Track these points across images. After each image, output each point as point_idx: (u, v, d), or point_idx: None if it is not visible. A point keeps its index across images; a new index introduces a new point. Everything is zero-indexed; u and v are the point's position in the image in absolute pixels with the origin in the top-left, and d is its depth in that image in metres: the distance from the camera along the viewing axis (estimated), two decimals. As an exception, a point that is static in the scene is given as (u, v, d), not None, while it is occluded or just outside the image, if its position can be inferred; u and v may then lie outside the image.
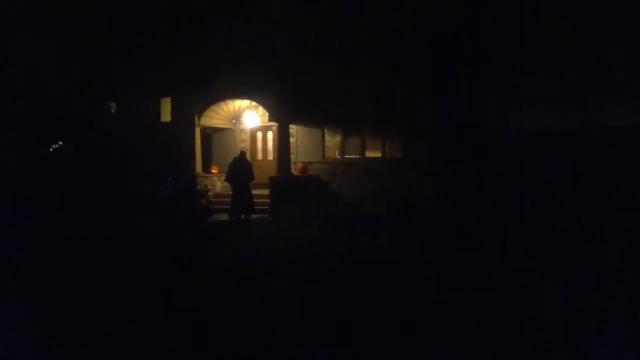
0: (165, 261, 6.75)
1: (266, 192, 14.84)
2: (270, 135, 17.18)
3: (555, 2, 11.22)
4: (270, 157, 17.15)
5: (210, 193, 15.90)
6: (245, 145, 17.59)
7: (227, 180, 14.23)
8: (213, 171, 17.24)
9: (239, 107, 17.08)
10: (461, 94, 12.09)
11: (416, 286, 6.48)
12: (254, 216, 13.86)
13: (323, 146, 15.66)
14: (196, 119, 16.38)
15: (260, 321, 5.28)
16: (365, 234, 10.13)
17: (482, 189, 10.54)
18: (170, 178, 8.91)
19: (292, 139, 15.69)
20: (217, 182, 16.76)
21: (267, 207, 14.43)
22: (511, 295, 5.78)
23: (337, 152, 15.51)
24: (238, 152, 14.88)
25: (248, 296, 6.10)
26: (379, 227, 10.60)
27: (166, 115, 16.66)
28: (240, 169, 13.92)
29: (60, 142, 11.26)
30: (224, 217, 13.17)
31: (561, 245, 7.82)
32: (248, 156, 17.26)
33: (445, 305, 5.63)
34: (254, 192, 14.77)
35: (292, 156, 15.59)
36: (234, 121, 17.44)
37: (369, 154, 14.95)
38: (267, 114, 15.72)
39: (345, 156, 15.27)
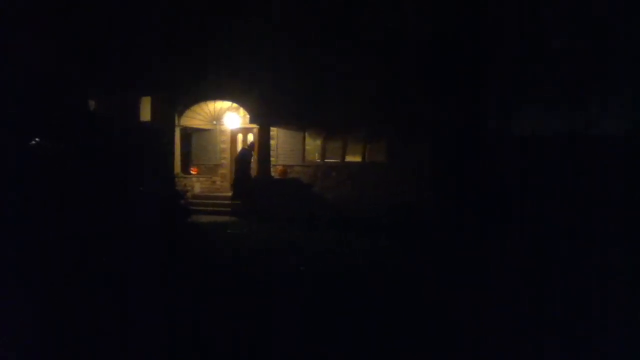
0: (142, 262, 6.69)
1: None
2: (250, 137, 17.12)
3: (555, 7, 11.38)
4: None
5: (189, 194, 15.78)
6: (226, 146, 17.54)
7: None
8: (192, 172, 17.14)
9: (220, 108, 17.02)
10: (458, 98, 12.18)
11: (409, 287, 6.54)
12: (232, 218, 13.83)
13: (304, 149, 15.68)
14: (177, 118, 16.26)
15: (244, 321, 5.27)
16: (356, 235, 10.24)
17: (480, 192, 10.64)
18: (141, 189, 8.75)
19: (272, 142, 15.70)
20: (195, 184, 16.67)
21: (247, 209, 14.38)
22: (507, 297, 5.86)
23: (317, 156, 15.55)
24: (246, 145, 16.14)
25: (227, 296, 6.08)
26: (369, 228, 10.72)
27: (146, 115, 16.48)
28: (245, 159, 15.19)
29: (37, 139, 11.04)
30: (204, 218, 13.09)
31: (560, 247, 7.94)
32: (228, 157, 17.31)
33: (429, 306, 5.68)
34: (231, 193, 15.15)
35: (272, 159, 15.59)
36: (214, 122, 17.36)
37: (350, 158, 15.02)
38: (248, 115, 15.69)
39: (326, 160, 15.32)
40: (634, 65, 10.59)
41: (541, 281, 6.42)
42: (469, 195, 10.81)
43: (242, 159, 15.32)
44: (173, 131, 16.17)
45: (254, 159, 15.88)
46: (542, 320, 5.21)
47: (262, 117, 15.18)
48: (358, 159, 14.87)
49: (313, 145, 15.67)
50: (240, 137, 17.55)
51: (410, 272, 7.42)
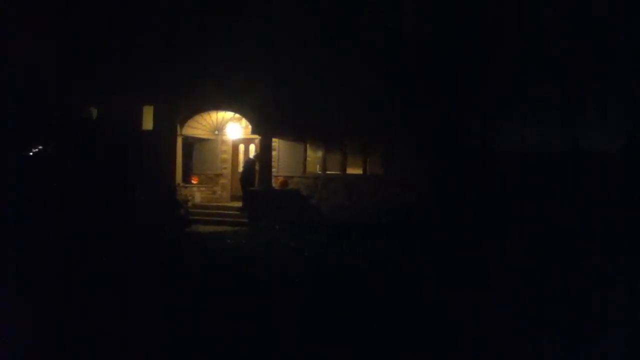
0: (138, 267, 6.70)
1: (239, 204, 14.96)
2: (252, 147, 17.17)
3: (544, 25, 11.47)
4: (252, 169, 17.13)
5: (189, 204, 15.78)
6: (227, 156, 17.57)
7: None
8: (193, 182, 17.16)
9: (222, 118, 17.07)
10: (449, 114, 12.26)
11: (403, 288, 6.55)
12: (231, 228, 13.80)
13: (305, 161, 15.69)
14: (178, 128, 16.31)
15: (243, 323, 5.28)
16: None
17: (466, 207, 10.67)
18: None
19: (274, 153, 15.72)
20: (196, 193, 16.68)
21: (246, 220, 14.37)
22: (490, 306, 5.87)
23: (318, 167, 15.56)
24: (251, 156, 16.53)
25: (225, 302, 6.08)
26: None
27: (148, 124, 16.55)
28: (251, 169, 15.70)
29: (40, 147, 11.12)
30: (203, 228, 13.08)
31: (546, 257, 7.95)
32: (229, 168, 17.38)
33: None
34: (234, 204, 15.36)
35: (273, 169, 15.60)
36: (216, 132, 17.40)
37: (350, 170, 15.01)
38: (250, 126, 15.74)
39: (327, 172, 15.32)
40: (626, 81, 10.66)
41: (524, 289, 6.44)
42: (455, 211, 10.86)
43: (245, 168, 15.84)
44: (175, 140, 16.22)
45: (255, 170, 15.94)
46: (529, 319, 5.21)
47: (264, 128, 15.23)
48: (359, 171, 14.86)
49: (314, 156, 15.69)
50: (242, 147, 17.59)
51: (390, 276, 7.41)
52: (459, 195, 11.44)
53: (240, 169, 17.38)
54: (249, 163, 15.98)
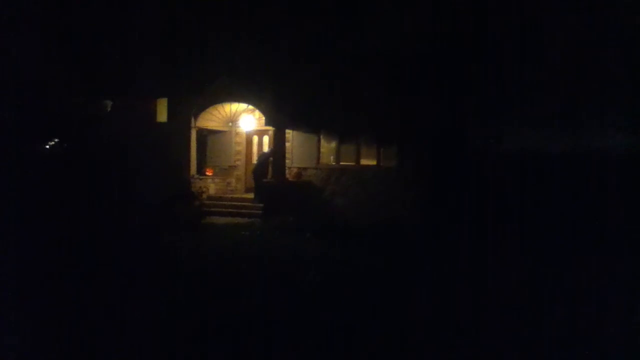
0: (152, 264, 6.74)
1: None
2: (266, 139, 17.17)
3: (548, 23, 11.30)
4: (266, 161, 17.14)
5: (204, 195, 15.87)
6: (241, 148, 17.61)
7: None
8: (207, 173, 17.22)
9: (236, 110, 17.08)
10: (457, 112, 12.15)
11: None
12: (247, 220, 13.86)
13: (318, 152, 15.65)
14: (192, 120, 16.36)
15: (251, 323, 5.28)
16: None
17: (472, 206, 10.58)
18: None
19: (287, 144, 15.70)
20: (210, 185, 16.75)
21: (260, 212, 14.42)
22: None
23: (332, 159, 15.51)
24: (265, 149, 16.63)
25: (233, 299, 6.10)
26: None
27: (162, 116, 16.63)
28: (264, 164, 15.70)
29: (56, 140, 11.23)
30: (218, 220, 13.14)
31: (551, 260, 7.86)
32: (243, 159, 17.43)
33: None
34: (248, 196, 15.45)
35: (287, 161, 15.59)
36: (230, 124, 17.42)
37: (364, 161, 14.92)
38: (263, 117, 15.72)
39: (340, 163, 15.27)
40: (626, 85, 10.47)
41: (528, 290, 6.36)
42: (461, 211, 10.77)
43: (259, 161, 15.86)
44: (189, 132, 16.28)
45: (269, 161, 15.97)
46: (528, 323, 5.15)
47: (278, 119, 15.20)
48: (373, 162, 14.76)
49: (328, 148, 15.63)
50: (255, 139, 17.60)
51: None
52: (467, 193, 11.34)
53: (255, 160, 17.41)
54: (263, 157, 15.95)
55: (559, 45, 11.03)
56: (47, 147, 13.18)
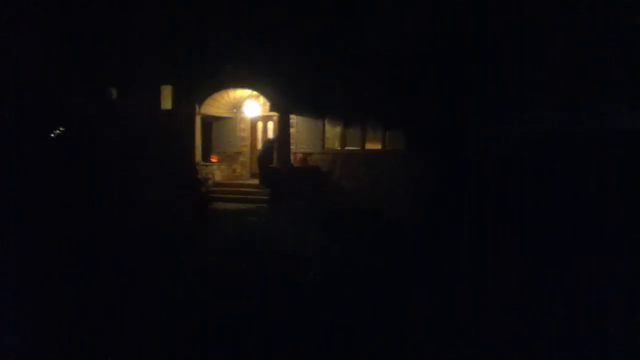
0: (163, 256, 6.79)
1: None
2: (270, 125, 17.17)
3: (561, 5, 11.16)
4: (270, 147, 17.15)
5: (210, 182, 15.93)
6: (245, 134, 17.62)
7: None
8: (212, 160, 17.26)
9: (241, 96, 17.06)
10: (465, 94, 12.05)
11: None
12: (253, 206, 13.92)
13: (323, 137, 15.65)
14: (197, 107, 16.36)
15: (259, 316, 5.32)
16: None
17: (494, 187, 10.47)
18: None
19: (292, 129, 15.69)
20: (216, 172, 16.79)
21: (267, 197, 14.47)
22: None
23: (337, 144, 15.50)
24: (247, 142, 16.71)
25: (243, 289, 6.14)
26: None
27: (167, 103, 16.61)
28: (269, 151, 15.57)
29: (62, 128, 11.25)
30: (224, 206, 13.21)
31: (564, 250, 7.79)
32: (248, 145, 17.44)
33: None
34: (254, 182, 15.43)
35: (292, 146, 15.60)
36: (234, 110, 17.42)
37: (370, 145, 14.92)
38: (268, 103, 15.70)
39: (346, 147, 15.27)
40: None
41: (542, 283, 6.31)
42: (472, 195, 10.69)
43: (264, 148, 15.81)
44: (193, 120, 16.28)
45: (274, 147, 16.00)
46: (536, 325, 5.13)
47: (282, 105, 15.18)
48: (378, 146, 14.76)
49: (332, 132, 15.62)
50: (260, 125, 17.60)
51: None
52: (473, 177, 11.28)
53: (260, 146, 17.42)
54: (268, 143, 15.93)
55: (567, 40, 10.90)
56: (52, 135, 13.21)
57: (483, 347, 4.64)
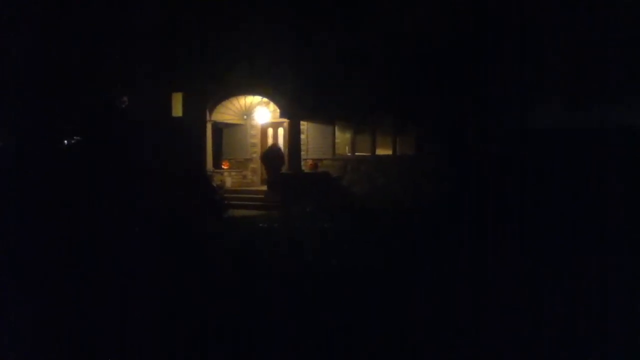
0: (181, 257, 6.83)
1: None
2: (281, 131, 17.23)
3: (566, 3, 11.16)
4: (281, 153, 17.20)
5: (223, 189, 16.00)
6: (256, 141, 17.69)
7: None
8: (224, 167, 17.35)
9: (251, 103, 17.15)
10: (476, 94, 12.03)
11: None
12: (264, 212, 13.95)
13: (333, 143, 15.69)
14: (208, 114, 16.46)
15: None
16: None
17: (501, 188, 10.44)
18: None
19: (302, 136, 15.75)
20: (227, 178, 16.88)
21: (278, 203, 14.49)
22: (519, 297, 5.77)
23: (347, 149, 15.54)
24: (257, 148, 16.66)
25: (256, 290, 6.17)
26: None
27: (177, 110, 16.73)
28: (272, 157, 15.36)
29: (77, 138, 11.35)
30: (235, 212, 13.24)
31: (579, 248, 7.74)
32: (259, 152, 17.48)
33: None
34: (264, 188, 15.64)
35: (302, 153, 15.65)
36: (245, 117, 17.51)
37: (380, 151, 14.94)
38: (278, 110, 15.77)
39: (356, 153, 15.29)
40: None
41: (558, 283, 6.27)
42: (488, 193, 10.63)
43: (270, 156, 15.54)
44: (204, 126, 16.38)
45: (284, 153, 16.05)
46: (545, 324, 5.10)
47: (292, 111, 15.24)
48: (388, 151, 14.77)
49: (343, 138, 15.66)
50: (270, 131, 17.66)
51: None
52: (484, 181, 11.24)
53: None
54: (274, 152, 15.68)
55: (567, 40, 10.90)
56: (64, 143, 13.34)
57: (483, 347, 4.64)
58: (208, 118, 16.49)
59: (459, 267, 7.05)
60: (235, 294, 5.76)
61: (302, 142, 15.66)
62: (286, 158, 15.67)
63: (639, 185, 9.11)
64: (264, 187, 16.25)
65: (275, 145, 16.20)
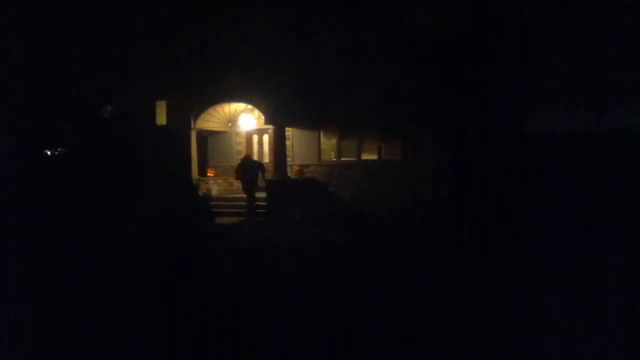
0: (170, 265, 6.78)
1: (263, 194, 14.86)
2: (266, 138, 17.22)
3: (557, 4, 11.24)
4: (267, 159, 17.16)
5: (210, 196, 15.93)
6: (241, 148, 17.64)
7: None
8: (209, 175, 17.26)
9: (235, 110, 17.12)
10: (471, 97, 12.05)
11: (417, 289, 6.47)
12: (249, 219, 13.92)
13: (319, 149, 15.71)
14: (192, 121, 16.39)
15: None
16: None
17: (496, 191, 10.48)
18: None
19: (288, 142, 15.75)
20: (213, 186, 16.79)
21: (264, 210, 14.46)
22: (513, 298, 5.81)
23: (333, 155, 15.57)
24: (243, 155, 15.52)
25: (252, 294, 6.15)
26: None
27: (162, 119, 16.63)
28: (248, 164, 14.49)
29: (61, 149, 11.24)
30: (222, 220, 13.20)
31: (574, 249, 7.79)
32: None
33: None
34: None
35: (288, 159, 15.65)
36: (230, 124, 17.47)
37: (365, 156, 15.00)
38: (263, 116, 15.76)
39: (342, 159, 15.33)
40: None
41: (550, 284, 6.31)
42: (473, 195, 10.69)
43: (248, 167, 14.58)
44: (189, 134, 16.30)
45: (269, 160, 16.01)
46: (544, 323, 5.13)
47: (277, 117, 15.25)
48: (374, 157, 14.83)
49: (328, 144, 15.70)
50: (255, 138, 17.64)
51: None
52: (468, 184, 11.30)
53: (255, 159, 17.38)
54: (250, 164, 14.64)
55: (568, 40, 10.97)
56: (51, 154, 13.18)
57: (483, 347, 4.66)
58: (193, 126, 16.42)
59: (456, 268, 7.09)
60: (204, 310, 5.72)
61: (287, 148, 15.66)
62: (272, 165, 15.65)
63: (638, 186, 9.21)
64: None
65: (249, 156, 15.49)
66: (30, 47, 12.88)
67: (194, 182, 15.56)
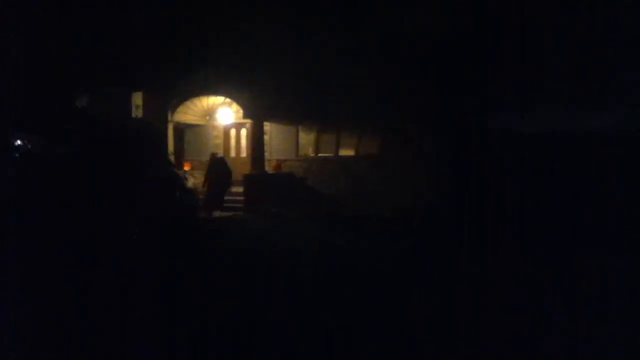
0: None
1: (240, 189, 14.86)
2: (244, 132, 17.17)
3: (557, 4, 11.28)
4: (244, 154, 17.15)
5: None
6: (219, 142, 17.56)
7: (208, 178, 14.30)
8: (186, 168, 17.11)
9: (213, 103, 17.02)
10: (459, 95, 12.06)
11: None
12: (229, 213, 13.89)
13: (297, 143, 15.77)
14: (169, 114, 16.23)
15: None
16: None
17: (496, 191, 10.49)
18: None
19: (266, 136, 15.76)
20: (190, 180, 16.65)
21: (242, 205, 14.45)
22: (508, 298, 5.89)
23: (311, 150, 15.63)
24: (216, 154, 15.14)
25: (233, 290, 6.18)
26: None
27: (138, 111, 16.41)
28: (221, 168, 14.20)
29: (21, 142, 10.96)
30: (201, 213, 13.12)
31: (563, 248, 7.88)
32: (221, 153, 17.30)
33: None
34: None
35: (266, 153, 15.65)
36: (207, 117, 17.35)
37: (343, 151, 15.10)
38: (241, 110, 15.72)
39: (320, 154, 15.41)
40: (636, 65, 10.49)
41: (542, 284, 6.34)
42: (471, 195, 10.76)
43: (216, 167, 14.45)
44: (166, 127, 16.12)
45: (247, 154, 15.97)
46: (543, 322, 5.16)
47: (256, 111, 15.24)
48: (351, 152, 14.96)
49: (306, 139, 15.75)
50: (233, 132, 17.57)
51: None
52: (469, 181, 11.32)
53: (233, 153, 17.36)
54: (220, 164, 14.51)
55: (568, 40, 11.02)
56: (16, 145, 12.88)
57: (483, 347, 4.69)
58: (170, 119, 16.25)
59: (455, 268, 7.13)
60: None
61: (265, 143, 15.66)
62: (249, 159, 15.62)
63: (637, 186, 9.33)
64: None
65: (222, 157, 15.19)
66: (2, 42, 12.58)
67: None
